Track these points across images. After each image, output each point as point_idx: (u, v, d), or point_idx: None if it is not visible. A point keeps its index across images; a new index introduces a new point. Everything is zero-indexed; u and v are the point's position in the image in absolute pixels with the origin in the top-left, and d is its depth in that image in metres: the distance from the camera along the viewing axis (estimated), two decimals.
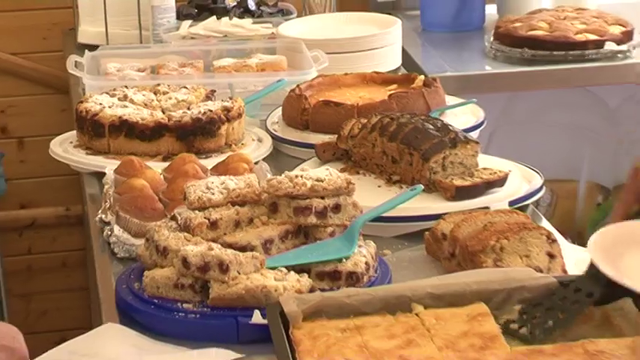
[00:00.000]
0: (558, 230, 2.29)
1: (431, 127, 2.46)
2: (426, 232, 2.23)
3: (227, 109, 2.64)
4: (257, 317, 1.93)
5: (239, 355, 1.91)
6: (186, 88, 2.81)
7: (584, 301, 1.91)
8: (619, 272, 1.90)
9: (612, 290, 1.90)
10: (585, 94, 3.72)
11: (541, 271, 2.06)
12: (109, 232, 2.28)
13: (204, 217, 2.09)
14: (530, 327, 1.88)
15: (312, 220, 2.12)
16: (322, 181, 2.13)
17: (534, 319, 1.90)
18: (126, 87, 2.81)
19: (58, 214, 3.85)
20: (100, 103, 2.66)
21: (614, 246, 1.97)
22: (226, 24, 3.43)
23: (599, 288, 1.92)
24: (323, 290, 2.01)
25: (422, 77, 2.88)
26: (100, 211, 2.35)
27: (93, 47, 3.26)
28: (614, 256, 1.95)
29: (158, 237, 2.06)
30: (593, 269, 1.95)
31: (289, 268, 2.03)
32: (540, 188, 2.42)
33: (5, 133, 3.85)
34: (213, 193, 2.13)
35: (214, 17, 3.50)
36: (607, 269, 1.89)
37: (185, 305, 1.98)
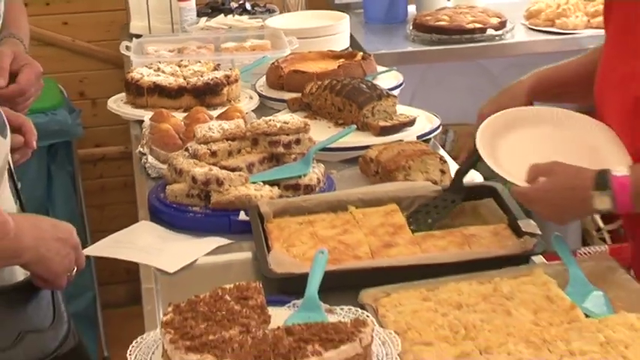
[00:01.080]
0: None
1: (364, 86, 2.45)
2: (360, 158, 2.22)
3: (228, 77, 2.62)
4: (242, 215, 1.95)
5: (230, 241, 1.92)
6: (200, 62, 2.78)
7: (449, 205, 1.94)
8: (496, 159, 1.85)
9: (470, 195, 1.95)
10: (476, 65, 3.72)
11: (436, 183, 2.06)
12: (145, 160, 2.27)
13: (207, 149, 2.10)
14: (416, 225, 1.90)
15: (281, 149, 2.12)
16: (287, 123, 2.13)
17: (418, 220, 1.92)
18: (159, 62, 2.78)
19: (120, 151, 3.84)
20: (141, 73, 2.65)
21: (493, 136, 1.91)
22: (230, 19, 3.42)
23: (459, 196, 1.95)
24: (288, 197, 2.02)
25: (361, 53, 2.87)
26: (139, 146, 2.35)
27: (139, 36, 3.25)
28: (493, 145, 1.89)
29: (176, 162, 2.07)
30: (454, 183, 1.99)
31: (265, 182, 2.04)
32: (438, 127, 2.42)
33: (83, 96, 3.83)
34: (213, 132, 2.13)
35: (223, 14, 3.49)
36: (488, 159, 1.84)
37: (194, 208, 2.01)
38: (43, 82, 2.22)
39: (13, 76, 2.12)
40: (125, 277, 3.74)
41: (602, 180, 1.64)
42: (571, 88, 2.04)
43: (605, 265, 1.70)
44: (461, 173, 1.98)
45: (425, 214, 1.93)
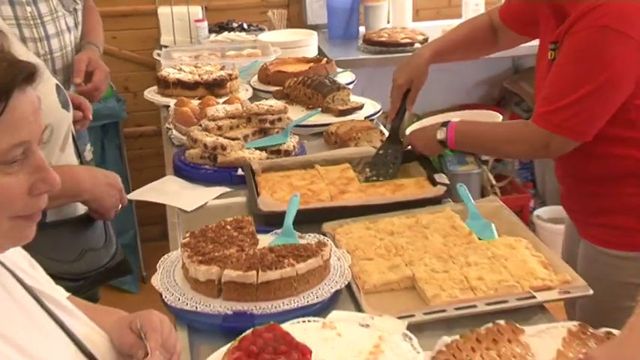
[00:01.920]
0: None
1: (327, 82, 2.43)
2: (324, 131, 2.21)
3: (230, 75, 2.58)
4: (240, 171, 1.93)
5: (231, 189, 1.91)
6: (210, 64, 2.75)
7: (399, 156, 1.92)
8: None
9: (407, 156, 1.93)
10: None
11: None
12: (171, 133, 2.24)
13: (215, 124, 2.08)
14: (383, 176, 1.88)
15: (267, 125, 2.11)
16: (272, 107, 2.12)
17: (379, 172, 1.90)
18: (181, 64, 2.74)
19: (153, 129, 3.75)
20: (168, 72, 2.61)
21: None
22: (232, 35, 3.37)
23: (400, 147, 1.94)
24: (272, 158, 2.00)
25: (325, 59, 2.84)
26: (167, 123, 2.32)
27: (167, 46, 3.19)
28: None
29: (193, 134, 2.05)
30: (391, 137, 1.97)
31: (256, 148, 2.03)
32: (379, 111, 2.39)
33: (127, 90, 3.75)
34: (219, 113, 2.11)
35: (227, 32, 3.44)
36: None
37: (205, 166, 1.99)
38: (109, 79, 2.23)
39: (88, 75, 2.14)
40: (158, 219, 3.69)
41: (444, 123, 1.79)
42: (457, 55, 2.05)
43: (494, 206, 1.73)
44: (395, 128, 1.97)
45: (383, 166, 1.90)
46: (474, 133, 1.78)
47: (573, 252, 1.81)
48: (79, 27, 2.24)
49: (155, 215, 3.68)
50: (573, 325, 1.24)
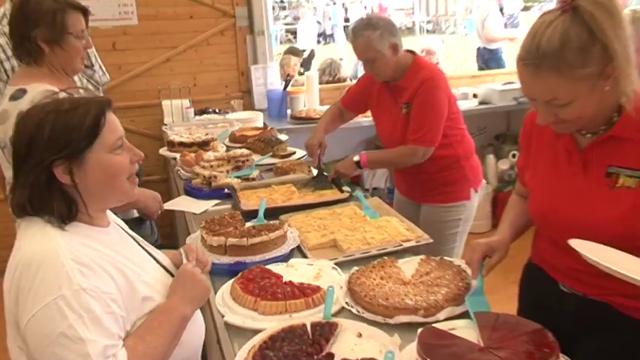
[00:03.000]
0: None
1: (273, 139, 2.51)
2: (273, 167, 2.25)
3: (212, 138, 2.63)
4: (226, 190, 1.98)
5: (220, 201, 1.92)
6: (199, 133, 2.81)
7: (328, 183, 2.03)
8: None
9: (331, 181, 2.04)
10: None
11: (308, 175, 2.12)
12: (180, 173, 2.27)
13: (209, 164, 2.13)
14: (322, 188, 1.97)
15: (240, 164, 2.16)
16: (242, 153, 2.21)
17: (323, 186, 1.96)
18: (181, 134, 2.81)
19: (159, 177, 3.69)
20: (174, 138, 2.64)
21: None
22: (210, 116, 3.44)
23: (325, 175, 2.05)
24: (245, 182, 2.04)
25: (270, 127, 2.92)
26: (176, 167, 2.34)
27: (167, 124, 3.26)
28: None
29: (196, 170, 2.09)
30: (320, 173, 2.05)
31: (236, 177, 2.07)
32: (304, 155, 2.34)
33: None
34: (210, 157, 2.17)
35: (206, 114, 3.50)
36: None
37: (204, 189, 2.01)
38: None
39: None
40: (162, 233, 3.71)
41: (358, 153, 2.01)
42: (330, 127, 2.28)
43: (377, 202, 1.88)
44: (320, 168, 2.08)
45: (323, 183, 2.00)
46: (378, 155, 2.05)
47: (414, 220, 2.02)
48: None
49: (162, 232, 3.68)
50: (423, 256, 1.45)
